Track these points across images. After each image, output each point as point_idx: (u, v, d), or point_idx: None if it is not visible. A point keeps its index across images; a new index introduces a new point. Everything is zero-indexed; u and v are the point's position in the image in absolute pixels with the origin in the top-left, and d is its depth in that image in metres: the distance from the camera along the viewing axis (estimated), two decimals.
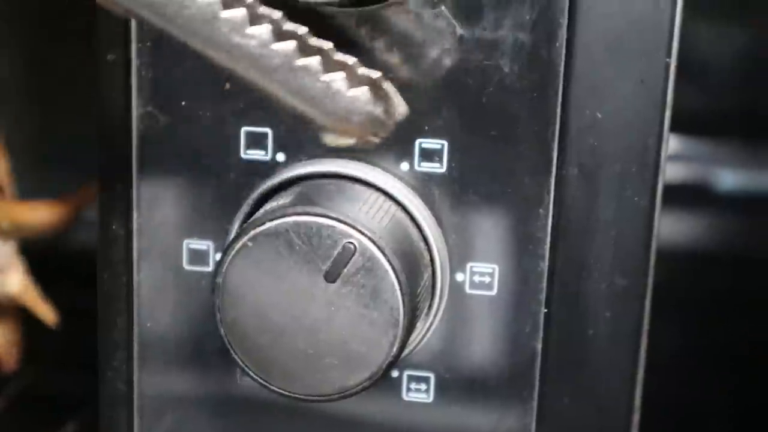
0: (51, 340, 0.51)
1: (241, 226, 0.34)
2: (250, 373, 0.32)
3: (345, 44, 0.33)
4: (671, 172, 0.67)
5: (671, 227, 0.65)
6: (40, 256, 0.48)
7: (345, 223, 0.31)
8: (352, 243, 0.31)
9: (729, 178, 0.67)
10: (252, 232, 0.31)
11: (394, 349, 0.31)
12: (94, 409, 0.48)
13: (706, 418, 0.54)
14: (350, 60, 0.29)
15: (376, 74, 0.29)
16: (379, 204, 0.33)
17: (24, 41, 0.64)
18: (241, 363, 0.32)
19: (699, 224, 0.67)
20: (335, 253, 0.31)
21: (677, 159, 0.66)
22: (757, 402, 0.55)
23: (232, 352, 0.32)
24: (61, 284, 0.48)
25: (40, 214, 0.46)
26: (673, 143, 0.66)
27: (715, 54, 0.66)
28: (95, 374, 0.51)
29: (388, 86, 0.29)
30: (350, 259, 0.31)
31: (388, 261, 0.31)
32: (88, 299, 0.49)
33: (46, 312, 0.46)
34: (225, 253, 0.32)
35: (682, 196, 0.66)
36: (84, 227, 0.55)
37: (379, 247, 0.31)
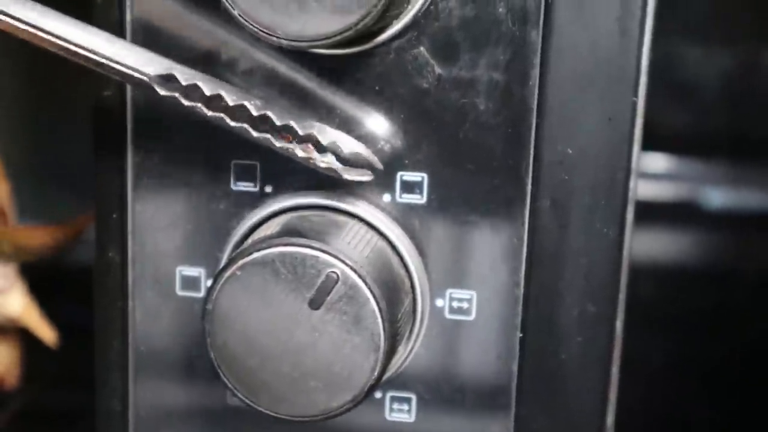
0: (48, 357, 0.53)
1: (231, 254, 0.36)
2: (239, 394, 0.34)
3: (331, 82, 0.34)
4: (660, 190, 0.68)
5: (659, 244, 0.67)
6: (39, 273, 0.50)
7: (328, 253, 0.33)
8: (335, 272, 0.33)
9: (717, 197, 0.68)
10: (240, 262, 0.33)
11: (376, 373, 0.33)
12: (90, 426, 0.50)
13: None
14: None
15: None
16: (362, 234, 0.35)
17: (21, 63, 0.66)
18: (229, 385, 0.34)
19: (687, 241, 0.68)
20: (319, 281, 0.33)
21: (666, 177, 0.67)
22: (741, 417, 0.56)
23: (221, 374, 0.34)
24: (57, 301, 0.50)
25: (40, 238, 0.48)
26: (661, 162, 0.67)
27: (703, 74, 0.67)
28: (91, 391, 0.52)
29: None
30: (333, 287, 0.33)
31: (369, 289, 0.33)
32: (85, 316, 0.51)
33: (46, 333, 0.48)
34: (215, 280, 0.33)
35: (671, 213, 0.67)
36: (82, 246, 0.57)
37: (360, 276, 0.33)
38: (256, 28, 0.31)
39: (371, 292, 0.33)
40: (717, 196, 0.68)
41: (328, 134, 0.33)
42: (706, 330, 0.61)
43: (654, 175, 0.66)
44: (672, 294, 0.64)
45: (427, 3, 0.34)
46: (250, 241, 0.35)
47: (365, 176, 0.33)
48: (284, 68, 0.35)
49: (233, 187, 0.36)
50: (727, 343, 0.60)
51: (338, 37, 0.31)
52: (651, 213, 0.62)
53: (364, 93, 0.35)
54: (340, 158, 0.33)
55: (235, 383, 0.34)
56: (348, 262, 0.33)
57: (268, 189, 0.36)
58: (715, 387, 0.58)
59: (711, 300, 0.64)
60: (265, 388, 0.34)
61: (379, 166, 0.34)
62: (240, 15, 0.31)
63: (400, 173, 0.35)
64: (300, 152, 0.33)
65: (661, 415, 0.53)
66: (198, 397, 0.38)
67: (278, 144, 0.33)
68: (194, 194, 0.36)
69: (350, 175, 0.33)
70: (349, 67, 0.34)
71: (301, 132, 0.33)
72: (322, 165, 0.33)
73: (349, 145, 0.33)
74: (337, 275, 0.33)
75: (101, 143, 0.37)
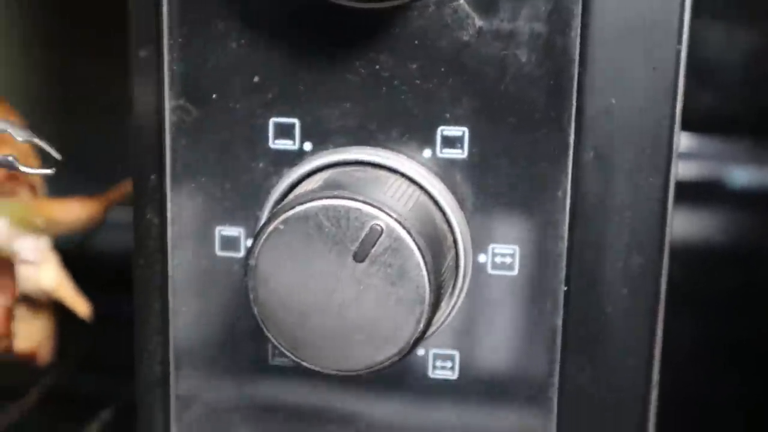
0: (73, 343, 0.53)
1: (271, 211, 0.36)
2: (283, 350, 0.34)
3: (368, 38, 0.34)
4: (684, 169, 0.68)
5: (684, 224, 0.66)
6: (63, 261, 0.50)
7: (372, 205, 0.33)
8: (379, 224, 0.32)
9: (741, 176, 0.68)
10: (283, 216, 0.33)
11: (421, 326, 0.33)
12: (115, 411, 0.50)
13: (718, 411, 0.55)
14: None
15: None
16: (404, 189, 0.34)
17: (44, 46, 0.66)
18: (273, 341, 0.34)
19: (712, 221, 0.67)
20: (363, 234, 0.32)
21: (690, 157, 0.67)
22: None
23: (265, 330, 0.34)
24: (83, 290, 0.49)
25: (73, 211, 0.48)
26: (686, 141, 0.67)
27: (727, 52, 0.67)
28: (114, 377, 0.52)
29: None
30: (377, 239, 0.32)
31: (414, 241, 0.32)
32: (110, 304, 0.51)
33: (80, 305, 0.48)
34: (257, 236, 0.33)
35: (695, 193, 0.67)
36: (105, 233, 0.57)
37: (405, 228, 0.32)
38: None
39: (416, 243, 0.32)
40: (741, 175, 0.68)
41: None
42: (732, 309, 0.61)
43: (678, 154, 0.66)
44: (697, 274, 0.63)
45: None
46: (291, 196, 0.35)
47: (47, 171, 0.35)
48: (321, 23, 0.35)
49: (272, 145, 0.36)
50: (753, 321, 0.60)
51: None
52: (675, 193, 0.62)
53: (404, 48, 0.34)
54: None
55: (280, 339, 0.34)
56: (392, 214, 0.33)
57: (307, 147, 0.36)
58: (741, 366, 0.57)
59: (737, 279, 0.64)
60: (310, 343, 0.33)
61: (57, 155, 0.36)
62: None
63: (440, 128, 0.35)
64: None
65: (690, 394, 0.52)
66: (240, 357, 0.38)
67: None
68: (232, 153, 0.36)
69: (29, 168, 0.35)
70: (387, 20, 0.34)
71: None
72: None
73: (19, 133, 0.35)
74: (382, 227, 0.32)
75: (138, 104, 0.37)
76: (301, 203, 0.33)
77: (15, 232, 0.47)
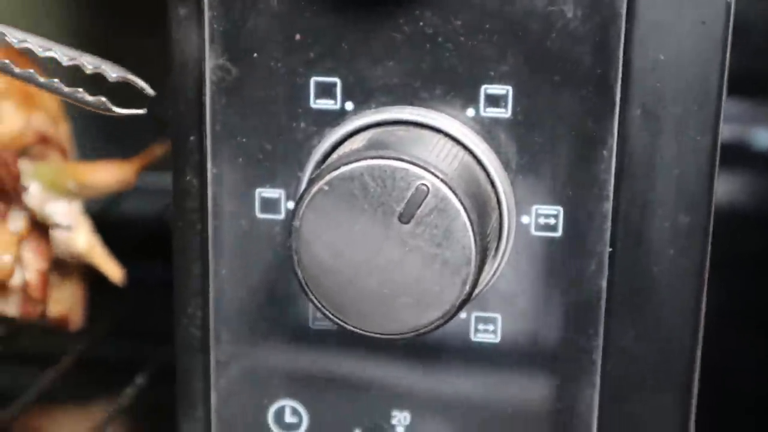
0: (105, 309, 0.53)
1: (313, 173, 0.35)
2: (326, 313, 0.33)
3: None
4: None
5: None
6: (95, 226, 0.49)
7: (418, 165, 0.32)
8: (425, 185, 0.32)
9: (766, 137, 0.67)
10: (328, 176, 0.32)
11: (467, 288, 0.32)
12: (150, 377, 0.49)
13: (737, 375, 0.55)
14: None
15: None
16: (448, 148, 0.34)
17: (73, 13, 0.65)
18: (317, 303, 0.33)
19: (737, 183, 0.67)
20: (409, 194, 0.32)
21: None
22: None
23: (308, 293, 0.33)
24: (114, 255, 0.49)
25: (104, 174, 0.47)
26: None
27: (753, 13, 0.66)
28: (147, 342, 0.52)
29: None
30: (423, 200, 0.32)
31: (460, 201, 0.32)
32: (139, 269, 0.51)
33: (113, 269, 0.47)
34: (301, 197, 0.33)
35: (720, 155, 0.67)
36: (133, 196, 0.56)
37: (451, 189, 0.32)
38: None
39: (462, 204, 0.32)
40: (766, 137, 0.68)
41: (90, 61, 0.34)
42: (756, 273, 0.61)
43: None
44: (722, 237, 0.63)
45: None
46: (335, 156, 0.34)
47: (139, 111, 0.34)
48: None
49: (313, 105, 0.35)
50: None
51: None
52: None
53: (448, 3, 0.34)
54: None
55: (322, 302, 0.33)
56: (438, 174, 0.32)
57: (349, 106, 0.35)
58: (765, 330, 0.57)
59: (762, 243, 0.63)
60: (353, 306, 0.33)
61: (150, 91, 0.34)
62: None
63: (484, 86, 0.34)
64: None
65: (715, 360, 0.52)
66: (280, 321, 0.37)
67: None
68: (273, 113, 0.36)
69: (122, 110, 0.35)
70: None
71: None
72: (90, 99, 0.35)
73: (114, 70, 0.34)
74: (428, 188, 0.32)
75: (177, 63, 0.36)
76: (346, 163, 0.32)
77: (47, 196, 0.47)
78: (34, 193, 0.47)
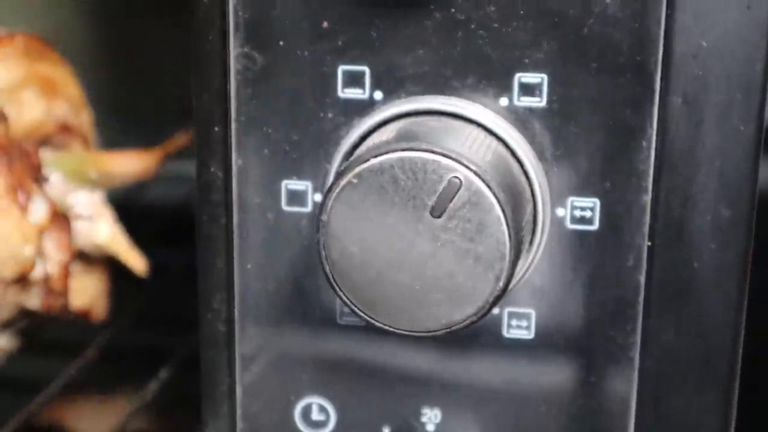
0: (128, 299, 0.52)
1: (341, 164, 0.34)
2: (355, 309, 0.32)
3: None
4: None
5: None
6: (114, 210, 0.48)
7: (450, 157, 0.31)
8: (457, 177, 0.31)
9: None
10: (357, 169, 0.31)
11: (501, 283, 0.31)
12: (174, 369, 0.49)
13: None
14: None
15: None
16: (481, 139, 0.33)
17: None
18: (345, 300, 0.32)
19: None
20: (441, 187, 0.31)
21: None
22: None
23: (336, 288, 0.32)
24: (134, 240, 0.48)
25: (127, 163, 0.47)
26: None
27: None
28: (171, 333, 0.51)
29: None
30: (456, 193, 0.31)
31: (494, 195, 0.31)
32: (163, 255, 0.50)
33: (136, 261, 0.47)
34: (329, 190, 0.32)
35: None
36: (156, 182, 0.56)
37: (484, 181, 0.31)
38: None
39: (496, 197, 0.31)
40: None
41: None
42: None
43: None
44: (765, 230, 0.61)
45: None
46: (364, 148, 0.33)
47: None
48: None
49: (341, 94, 0.34)
50: None
51: None
52: None
53: None
54: None
55: (352, 298, 0.32)
56: (471, 166, 0.31)
57: (378, 96, 0.34)
58: None
59: None
60: (383, 302, 0.32)
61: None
62: None
63: (518, 74, 0.33)
64: None
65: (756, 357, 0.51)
66: (307, 316, 0.36)
67: None
68: (299, 103, 0.35)
69: None
70: None
71: None
72: None
73: None
74: (460, 180, 0.31)
75: (200, 51, 0.35)
76: (375, 156, 0.31)
77: (69, 185, 0.46)
78: (55, 183, 0.46)
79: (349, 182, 0.31)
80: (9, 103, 0.45)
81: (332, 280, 0.32)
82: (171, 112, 0.49)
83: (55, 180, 0.46)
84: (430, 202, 0.31)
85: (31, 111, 0.46)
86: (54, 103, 0.47)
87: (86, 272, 0.48)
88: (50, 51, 0.48)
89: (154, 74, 0.62)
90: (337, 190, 0.31)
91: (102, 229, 0.46)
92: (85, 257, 0.48)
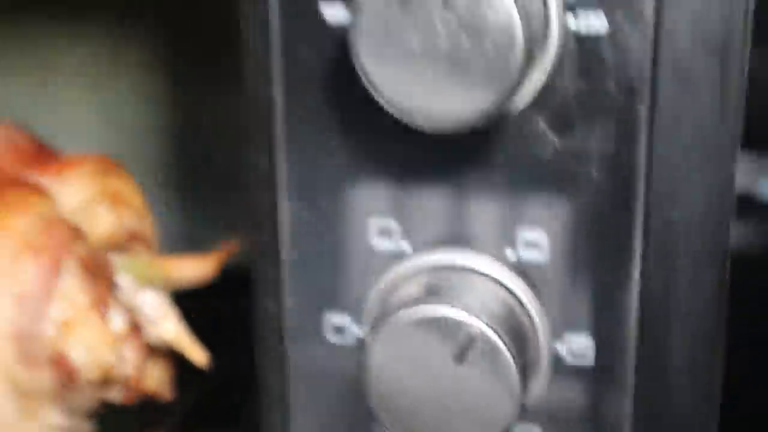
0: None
1: (374, 303, 0.41)
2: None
3: (452, 160, 0.39)
4: None
5: None
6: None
7: (469, 313, 0.38)
8: (475, 330, 0.38)
9: None
10: (391, 320, 0.38)
11: (511, 418, 0.38)
12: None
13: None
14: None
15: None
16: (495, 292, 0.39)
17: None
18: (387, 426, 0.39)
19: (743, 234, 0.68)
20: (461, 338, 0.38)
21: None
22: None
23: (379, 417, 0.39)
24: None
25: (188, 269, 0.52)
26: None
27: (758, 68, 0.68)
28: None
29: None
30: (474, 344, 0.38)
31: (506, 347, 0.38)
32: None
33: (198, 355, 0.52)
34: (368, 335, 0.38)
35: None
36: None
37: (498, 335, 0.38)
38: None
39: (508, 350, 0.38)
40: None
41: None
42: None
43: None
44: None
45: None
46: (397, 300, 0.40)
47: None
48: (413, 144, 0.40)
49: (372, 244, 0.41)
50: None
51: (482, 119, 0.36)
52: None
53: (486, 156, 0.39)
54: None
55: (392, 425, 0.39)
56: (486, 321, 0.38)
57: (406, 246, 0.41)
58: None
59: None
60: (418, 428, 0.39)
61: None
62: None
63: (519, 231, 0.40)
64: None
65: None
66: None
67: None
68: (337, 249, 0.41)
69: None
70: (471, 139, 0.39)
71: None
72: None
73: None
74: (477, 333, 0.38)
75: (253, 211, 0.42)
76: (406, 308, 0.38)
77: (137, 288, 0.52)
78: (124, 286, 0.52)
79: (384, 331, 0.38)
80: (85, 220, 0.52)
81: (375, 410, 0.39)
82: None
83: (124, 283, 0.52)
84: (453, 351, 0.38)
85: (104, 224, 0.52)
86: (123, 213, 0.53)
87: (155, 359, 0.54)
88: (117, 167, 0.55)
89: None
90: (374, 337, 0.38)
91: (169, 329, 0.52)
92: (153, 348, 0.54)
